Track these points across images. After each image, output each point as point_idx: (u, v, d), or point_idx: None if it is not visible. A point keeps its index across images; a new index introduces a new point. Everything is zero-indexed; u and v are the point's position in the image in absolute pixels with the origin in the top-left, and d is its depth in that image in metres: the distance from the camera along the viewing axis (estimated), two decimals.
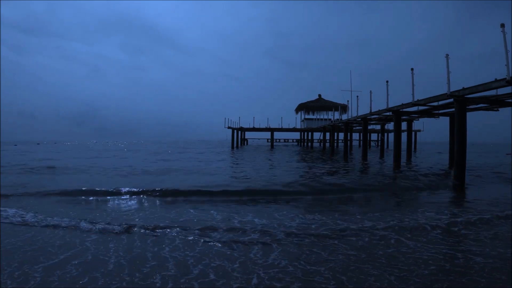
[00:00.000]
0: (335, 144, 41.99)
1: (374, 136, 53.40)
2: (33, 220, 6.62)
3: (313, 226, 6.28)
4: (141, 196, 9.61)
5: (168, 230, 6.00)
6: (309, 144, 49.74)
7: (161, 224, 6.32)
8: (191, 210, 7.78)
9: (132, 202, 8.96)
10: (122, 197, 9.49)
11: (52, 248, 5.06)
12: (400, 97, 16.06)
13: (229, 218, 6.97)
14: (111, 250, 4.95)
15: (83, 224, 6.29)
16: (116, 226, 6.14)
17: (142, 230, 5.97)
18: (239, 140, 51.91)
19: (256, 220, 6.79)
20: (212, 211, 7.67)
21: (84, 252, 4.89)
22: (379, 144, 37.19)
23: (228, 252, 4.94)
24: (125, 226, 6.14)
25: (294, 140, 65.98)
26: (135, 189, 10.09)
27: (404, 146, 19.99)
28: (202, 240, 5.46)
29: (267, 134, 49.19)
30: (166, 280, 3.95)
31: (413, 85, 13.94)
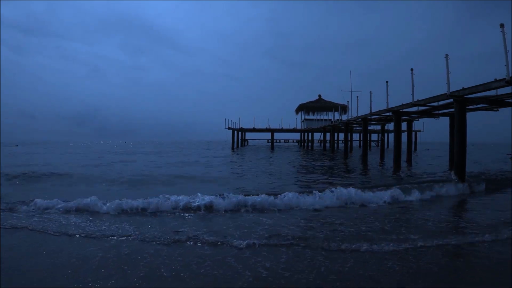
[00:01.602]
0: (335, 144, 42.01)
1: (374, 136, 53.37)
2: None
3: None
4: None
5: None
6: (309, 144, 49.75)
7: None
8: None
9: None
10: None
11: None
12: (400, 97, 16.03)
13: None
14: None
15: None
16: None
17: None
18: (240, 140, 51.94)
19: None
20: None
21: None
22: (379, 144, 37.19)
23: None
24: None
25: (294, 141, 65.95)
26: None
27: (404, 146, 19.94)
28: None
29: (267, 135, 49.26)
30: None
31: (413, 85, 13.95)
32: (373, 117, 20.82)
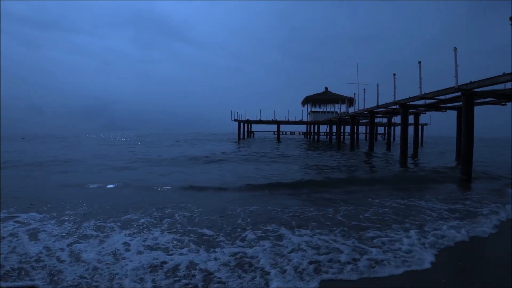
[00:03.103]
0: (342, 137, 41.94)
1: (380, 130, 53.13)
2: None
3: None
4: None
5: None
6: (316, 137, 49.68)
7: None
8: None
9: None
10: None
11: None
12: (410, 92, 15.69)
13: None
14: None
15: None
16: None
17: None
18: (246, 132, 52.11)
19: None
20: None
21: None
22: (386, 137, 37.04)
23: None
24: None
25: (301, 133, 65.96)
26: None
27: (410, 139, 19.85)
28: None
29: (274, 127, 49.31)
30: None
31: (420, 78, 13.86)
32: (379, 109, 20.76)
